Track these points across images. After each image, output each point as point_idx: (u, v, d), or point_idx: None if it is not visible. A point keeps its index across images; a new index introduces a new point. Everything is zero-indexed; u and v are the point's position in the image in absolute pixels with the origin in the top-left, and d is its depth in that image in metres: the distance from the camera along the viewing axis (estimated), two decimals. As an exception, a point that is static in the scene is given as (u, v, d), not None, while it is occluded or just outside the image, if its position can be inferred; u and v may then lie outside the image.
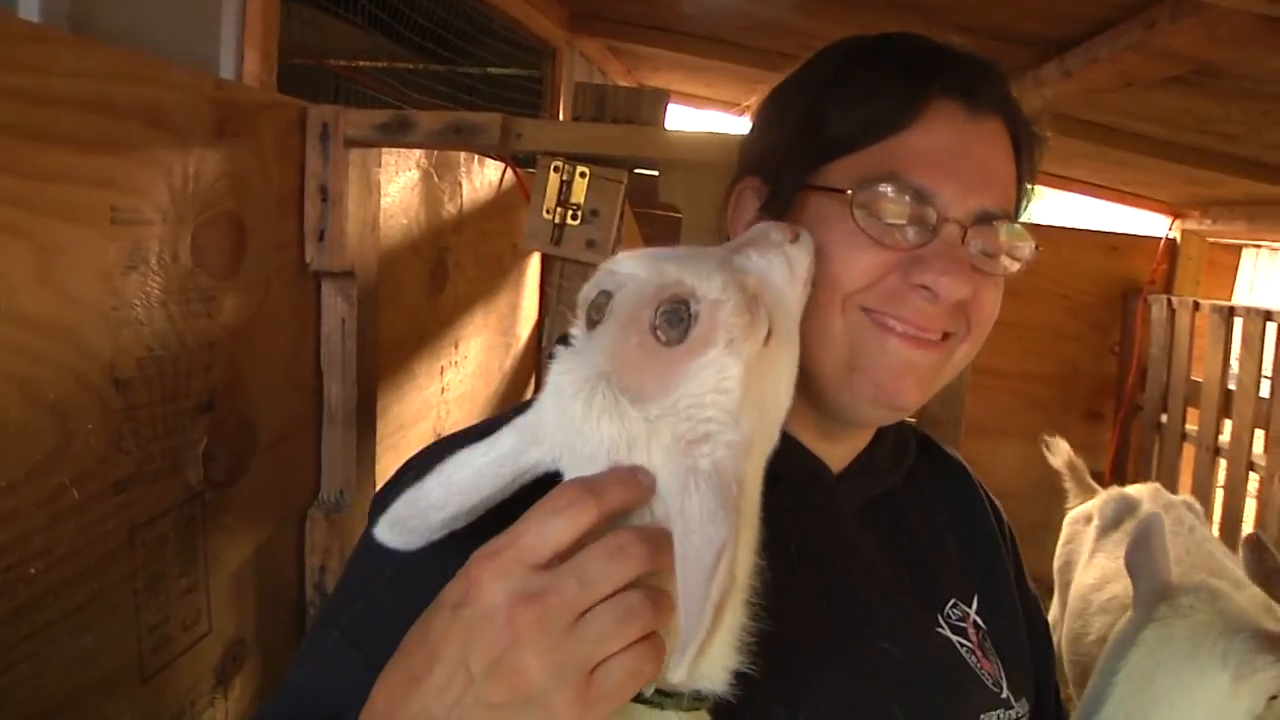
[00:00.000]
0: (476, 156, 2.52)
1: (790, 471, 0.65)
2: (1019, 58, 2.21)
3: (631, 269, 0.63)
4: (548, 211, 1.67)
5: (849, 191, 0.80)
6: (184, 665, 1.47)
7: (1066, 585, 2.69)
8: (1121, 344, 3.95)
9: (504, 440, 0.63)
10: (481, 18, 2.83)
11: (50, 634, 1.18)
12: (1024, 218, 0.90)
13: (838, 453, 0.93)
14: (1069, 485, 2.94)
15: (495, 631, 0.54)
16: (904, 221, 0.80)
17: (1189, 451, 3.53)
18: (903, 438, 1.00)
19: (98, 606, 1.26)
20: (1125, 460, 3.93)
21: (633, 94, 1.71)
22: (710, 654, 0.60)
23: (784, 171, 0.86)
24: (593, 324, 0.63)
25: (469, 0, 2.68)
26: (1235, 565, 2.28)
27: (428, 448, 0.93)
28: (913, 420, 1.10)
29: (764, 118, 0.95)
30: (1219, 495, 3.33)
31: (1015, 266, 0.86)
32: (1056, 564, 2.83)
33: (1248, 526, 3.18)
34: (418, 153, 2.13)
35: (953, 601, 0.94)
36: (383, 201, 1.95)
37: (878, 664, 0.84)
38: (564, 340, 0.65)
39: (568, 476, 0.61)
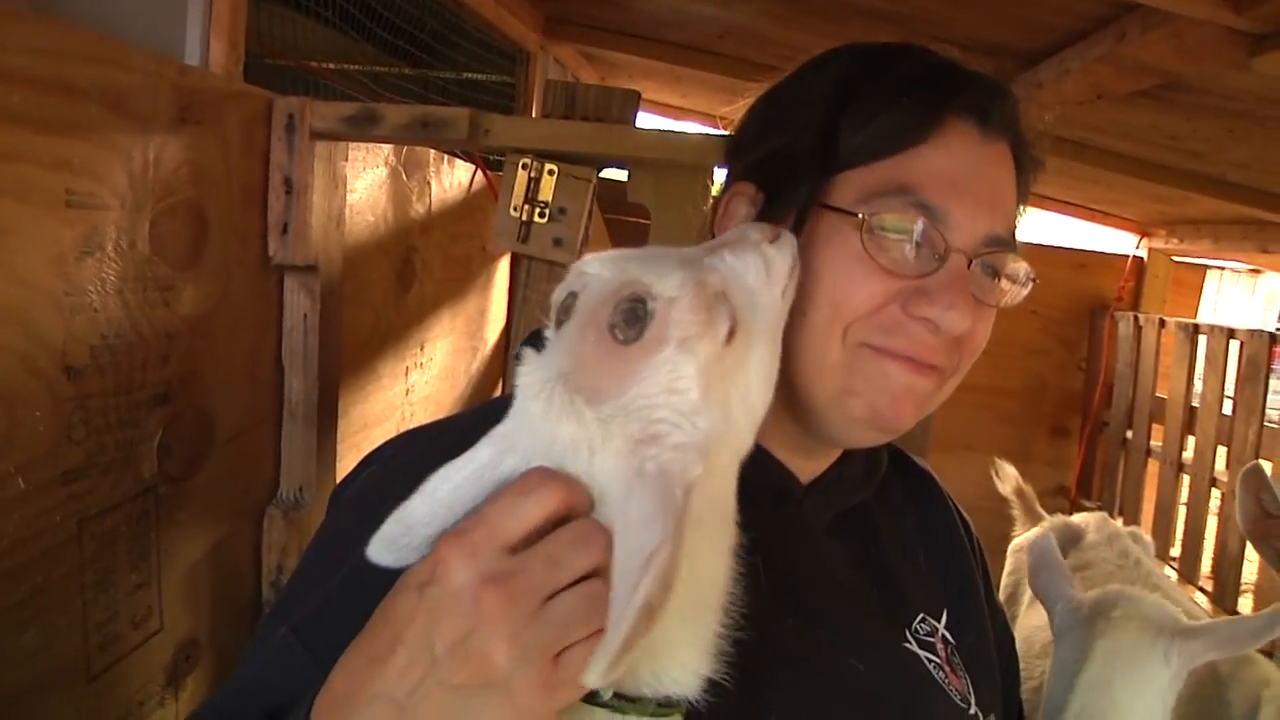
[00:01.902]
0: (446, 156, 2.50)
1: (757, 483, 0.64)
2: (990, 69, 2.22)
3: (597, 270, 0.62)
4: (515, 209, 1.65)
5: (860, 215, 0.79)
6: (133, 664, 1.43)
7: (1011, 620, 2.68)
8: (1088, 360, 3.98)
9: (482, 452, 0.62)
10: (455, 19, 2.81)
11: (-8, 627, 1.15)
12: None
13: (810, 466, 0.92)
14: (1016, 512, 2.93)
15: (461, 611, 0.53)
16: (909, 238, 0.78)
17: (1153, 467, 3.55)
18: (875, 451, 0.99)
19: (42, 601, 1.22)
20: (1091, 475, 3.95)
21: (603, 92, 1.70)
22: (682, 659, 0.59)
23: (784, 181, 0.84)
24: (561, 326, 0.62)
25: (443, 1, 2.67)
26: (1183, 597, 2.28)
27: (390, 441, 0.91)
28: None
29: (760, 123, 0.92)
30: (1181, 511, 3.35)
31: (1013, 294, 0.85)
32: (1002, 595, 2.82)
33: (1209, 543, 3.21)
34: (386, 150, 2.11)
35: (921, 616, 0.93)
36: (349, 198, 1.92)
37: (844, 679, 0.83)
38: (535, 341, 0.64)
39: None
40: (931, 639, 0.92)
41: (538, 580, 0.54)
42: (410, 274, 2.36)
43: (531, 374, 0.60)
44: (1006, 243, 0.83)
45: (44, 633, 1.23)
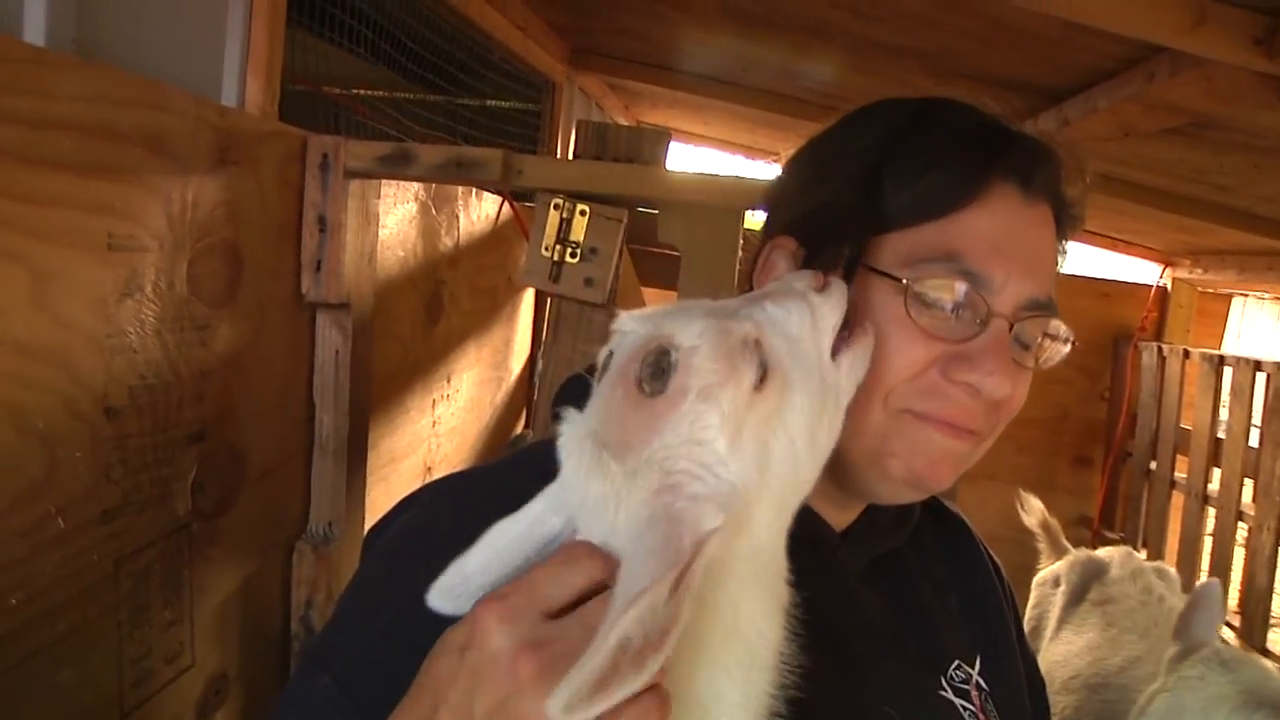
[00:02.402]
0: (474, 190, 2.52)
1: (791, 531, 0.64)
2: (1017, 105, 2.23)
3: (632, 326, 0.62)
4: (546, 249, 1.66)
5: (905, 281, 0.78)
6: (165, 699, 1.44)
7: (1034, 653, 2.65)
8: (1112, 390, 3.96)
9: (534, 507, 0.63)
10: (482, 50, 2.84)
11: (29, 667, 1.15)
12: None
13: (842, 516, 0.92)
14: (1042, 545, 2.92)
15: (499, 677, 0.53)
16: (951, 300, 0.78)
17: (1178, 499, 3.52)
18: None
19: (79, 638, 1.24)
20: (1114, 506, 3.92)
21: (634, 133, 1.71)
22: None
23: (826, 239, 0.83)
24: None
25: (470, 32, 2.69)
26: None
27: (425, 487, 0.91)
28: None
29: (801, 177, 0.92)
30: (1207, 543, 3.32)
31: (1052, 352, 0.85)
32: (1025, 628, 2.79)
33: (1236, 575, 3.18)
34: (416, 185, 2.13)
35: (956, 663, 0.93)
36: (380, 233, 1.94)
37: None
38: (570, 390, 0.64)
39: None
40: (966, 686, 0.92)
41: (575, 646, 0.52)
42: (438, 307, 2.38)
43: (568, 433, 0.60)
44: (1047, 306, 0.82)
45: (80, 670, 1.24)
